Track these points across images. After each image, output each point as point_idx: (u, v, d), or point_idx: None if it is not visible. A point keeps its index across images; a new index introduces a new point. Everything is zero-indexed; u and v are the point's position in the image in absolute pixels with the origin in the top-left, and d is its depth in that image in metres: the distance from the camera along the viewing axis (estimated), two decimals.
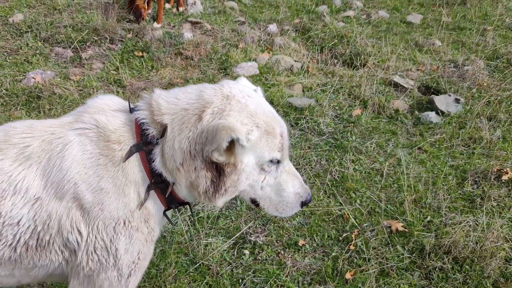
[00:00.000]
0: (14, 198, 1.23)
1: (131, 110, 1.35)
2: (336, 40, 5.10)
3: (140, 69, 4.16)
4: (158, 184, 1.32)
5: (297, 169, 2.91)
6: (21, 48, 4.21)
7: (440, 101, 3.82)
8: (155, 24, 4.92)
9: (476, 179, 3.00)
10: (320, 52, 4.86)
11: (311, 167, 3.10)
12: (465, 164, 3.14)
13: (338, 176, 3.01)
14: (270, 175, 1.38)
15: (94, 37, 4.43)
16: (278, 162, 1.37)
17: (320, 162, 3.16)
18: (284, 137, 1.36)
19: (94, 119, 1.30)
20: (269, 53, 4.76)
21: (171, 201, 1.39)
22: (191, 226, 2.55)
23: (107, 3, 5.07)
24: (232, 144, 1.24)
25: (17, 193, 1.23)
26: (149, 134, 1.29)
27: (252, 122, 1.28)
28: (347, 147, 3.29)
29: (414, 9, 6.41)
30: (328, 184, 2.92)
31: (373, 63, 4.59)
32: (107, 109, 1.36)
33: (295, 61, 4.60)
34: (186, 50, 4.46)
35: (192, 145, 1.26)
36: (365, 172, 3.07)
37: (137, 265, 1.38)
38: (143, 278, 2.11)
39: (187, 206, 1.51)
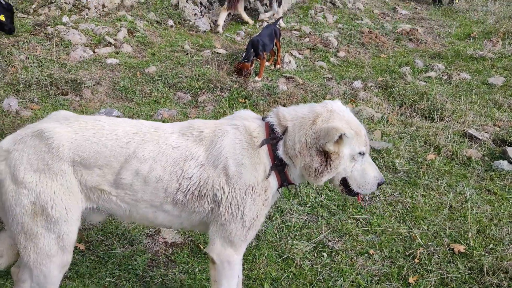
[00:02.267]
0: (190, 162, 1.98)
1: (263, 118, 2.08)
2: (417, 97, 5.58)
3: None
4: (278, 166, 2.00)
5: (372, 198, 3.45)
6: (153, 92, 5.35)
7: None
8: (256, 78, 5.87)
9: None
10: (400, 106, 5.38)
11: (385, 198, 3.57)
12: None
13: (409, 207, 3.44)
14: (357, 163, 2.01)
15: (208, 86, 5.46)
16: (363, 154, 2.00)
17: (393, 194, 3.62)
18: (367, 138, 1.99)
19: (242, 122, 2.05)
20: (352, 104, 5.40)
21: (284, 180, 2.04)
22: (280, 231, 3.15)
23: (219, 60, 6.20)
24: (339, 139, 1.89)
25: (193, 159, 1.98)
26: (275, 133, 1.99)
27: (348, 126, 1.93)
28: (419, 184, 3.72)
29: (497, 72, 6.67)
30: (399, 212, 3.37)
31: (450, 117, 4.98)
32: (248, 117, 2.10)
33: (376, 112, 5.18)
34: (280, 99, 5.29)
35: (308, 139, 1.93)
36: (434, 205, 3.46)
37: (255, 221, 2.03)
38: (244, 259, 2.73)
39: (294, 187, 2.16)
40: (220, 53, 6.47)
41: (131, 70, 5.63)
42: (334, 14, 8.70)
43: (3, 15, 5.40)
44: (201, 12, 7.43)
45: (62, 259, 1.99)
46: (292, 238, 3.08)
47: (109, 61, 5.72)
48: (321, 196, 3.53)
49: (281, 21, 7.74)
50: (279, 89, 5.57)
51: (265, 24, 7.38)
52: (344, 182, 2.07)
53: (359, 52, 7.33)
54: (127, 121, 2.10)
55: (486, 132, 4.67)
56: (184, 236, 3.08)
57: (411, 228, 3.16)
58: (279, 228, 3.18)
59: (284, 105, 5.27)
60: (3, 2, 5.60)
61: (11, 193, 1.88)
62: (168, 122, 4.62)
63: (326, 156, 1.94)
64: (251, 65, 5.85)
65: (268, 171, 1.99)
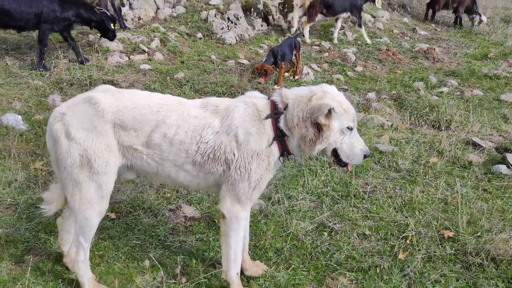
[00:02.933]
0: (207, 130, 2.39)
1: (269, 98, 2.49)
2: (427, 109, 5.88)
3: None
4: (279, 137, 2.39)
5: (373, 191, 3.78)
6: (180, 95, 5.85)
7: None
8: (275, 86, 6.31)
9: None
10: (410, 117, 5.69)
11: (386, 192, 3.88)
12: None
13: (407, 199, 3.74)
14: (346, 137, 2.38)
15: (230, 91, 5.93)
16: (351, 129, 2.37)
17: (394, 189, 3.94)
18: (355, 116, 2.37)
19: (251, 100, 2.47)
20: (365, 113, 5.75)
21: (284, 149, 2.43)
22: (287, 213, 3.51)
23: (242, 69, 6.69)
24: (329, 113, 2.28)
25: (209, 127, 2.40)
26: (278, 108, 2.40)
27: (339, 104, 2.32)
28: (419, 182, 4.02)
29: (510, 90, 6.89)
30: (397, 203, 3.67)
31: (458, 127, 5.26)
32: (257, 96, 2.52)
33: (386, 120, 5.51)
34: None
35: (304, 113, 2.32)
36: (431, 200, 3.75)
37: (259, 183, 2.42)
38: (252, 232, 3.11)
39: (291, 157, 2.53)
40: (243, 63, 6.97)
41: (162, 75, 6.18)
42: (354, 32, 9.13)
43: (112, 24, 6.20)
44: (228, 26, 8.00)
45: (100, 206, 2.43)
46: (297, 219, 3.43)
47: (142, 66, 6.30)
48: (327, 187, 3.88)
49: (307, 35, 8.24)
50: None
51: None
52: (335, 153, 2.44)
53: (376, 67, 7.70)
54: (157, 94, 2.56)
55: (490, 141, 4.93)
56: (202, 212, 3.49)
57: (407, 217, 3.47)
58: (286, 211, 3.54)
59: None
60: (109, 14, 6.39)
61: (64, 147, 2.33)
62: None
63: (319, 128, 2.32)
64: (270, 73, 6.30)
65: (271, 140, 2.39)
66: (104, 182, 2.38)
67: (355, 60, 7.76)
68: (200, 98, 5.89)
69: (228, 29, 7.91)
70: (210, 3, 8.45)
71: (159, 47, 6.95)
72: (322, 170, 4.10)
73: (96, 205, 2.41)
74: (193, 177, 2.50)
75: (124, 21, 7.52)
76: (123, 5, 7.80)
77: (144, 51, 6.67)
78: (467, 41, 9.66)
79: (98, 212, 2.44)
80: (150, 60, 6.58)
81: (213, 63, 6.81)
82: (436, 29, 10.49)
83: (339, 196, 3.78)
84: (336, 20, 8.64)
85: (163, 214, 3.43)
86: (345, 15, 8.56)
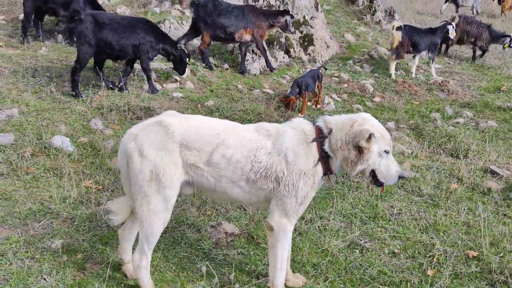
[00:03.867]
0: (260, 150, 2.72)
1: (314, 123, 2.83)
2: (445, 139, 6.17)
3: None
4: (324, 158, 2.72)
5: (399, 214, 4.05)
6: None
7: None
8: (300, 114, 6.67)
9: None
10: (429, 146, 5.98)
11: (411, 214, 4.15)
12: None
13: (431, 222, 4.00)
14: (383, 159, 2.71)
15: (258, 118, 6.30)
16: (388, 152, 2.69)
17: (418, 212, 4.20)
18: (390, 140, 2.71)
19: (298, 125, 2.81)
20: None
21: (327, 169, 2.75)
22: (320, 232, 3.78)
23: (267, 98, 7.09)
24: (369, 138, 2.60)
25: (263, 149, 2.73)
26: (323, 133, 2.73)
27: (377, 130, 2.65)
28: (441, 206, 4.27)
29: None
30: (422, 225, 3.93)
31: (474, 155, 5.54)
32: (303, 122, 2.87)
33: (406, 148, 5.81)
34: None
35: (347, 138, 2.65)
36: (454, 222, 4.00)
37: (305, 199, 2.73)
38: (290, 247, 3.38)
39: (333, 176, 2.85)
40: (268, 93, 7.38)
41: (193, 103, 6.59)
42: (371, 65, 9.55)
43: (188, 59, 6.93)
44: (252, 58, 8.47)
45: (165, 216, 2.75)
46: (329, 237, 3.70)
47: (175, 94, 6.73)
48: (355, 209, 4.16)
49: (393, 70, 8.95)
50: None
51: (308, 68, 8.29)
52: (373, 173, 2.75)
53: (393, 98, 8.05)
54: (216, 120, 2.93)
55: (507, 170, 5.18)
56: (241, 229, 3.77)
57: (432, 237, 3.72)
58: (319, 230, 3.81)
59: None
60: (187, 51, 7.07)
61: (137, 164, 2.67)
62: None
63: (360, 151, 2.65)
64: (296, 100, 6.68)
65: (316, 161, 2.71)
66: (169, 195, 2.71)
67: (373, 91, 8.13)
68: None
69: (252, 60, 8.38)
70: None
71: (189, 76, 7.39)
72: (349, 193, 4.38)
73: (161, 215, 2.73)
74: (246, 193, 2.81)
75: None
76: None
77: (176, 80, 7.12)
78: (479, 75, 10.02)
79: (162, 222, 2.75)
80: (181, 88, 7.02)
81: (240, 92, 7.23)
82: (449, 63, 10.89)
83: (367, 217, 4.05)
84: (414, 56, 9.29)
85: (205, 229, 3.73)
86: (424, 53, 9.24)
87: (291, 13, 8.50)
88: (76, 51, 6.37)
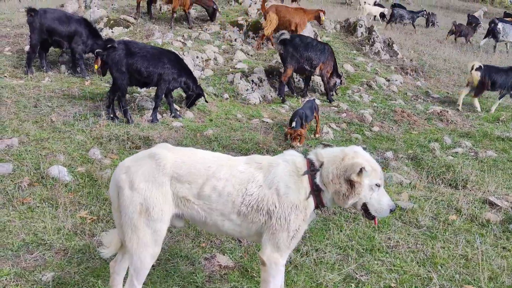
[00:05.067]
0: (252, 183, 2.72)
1: (305, 156, 2.84)
2: (444, 169, 6.15)
3: None
4: (315, 191, 2.71)
5: (396, 246, 3.99)
6: (209, 150, 6.26)
7: None
8: (298, 144, 6.69)
9: None
10: (427, 176, 5.96)
11: (408, 246, 4.09)
12: None
13: (429, 254, 3.94)
14: (375, 193, 2.69)
15: (256, 148, 6.33)
16: (379, 186, 2.68)
17: (415, 244, 4.14)
18: (382, 174, 2.69)
19: (290, 157, 2.82)
20: (383, 171, 6.03)
21: (319, 202, 2.74)
22: (315, 265, 3.72)
23: (266, 127, 7.14)
24: (360, 172, 2.60)
25: (254, 181, 2.72)
26: (315, 166, 2.74)
27: (368, 163, 2.65)
28: (440, 238, 4.21)
29: None
30: (420, 258, 3.87)
31: (474, 187, 5.50)
32: (295, 154, 2.87)
33: (405, 178, 5.78)
34: None
35: (339, 171, 2.64)
36: (452, 255, 3.93)
37: (297, 233, 2.70)
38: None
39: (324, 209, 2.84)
40: (267, 122, 7.43)
41: (192, 132, 6.64)
42: (369, 95, 9.65)
43: (203, 98, 7.47)
44: (252, 88, 8.59)
45: (154, 250, 2.72)
46: (325, 271, 3.64)
47: (174, 124, 6.80)
48: (352, 240, 4.11)
49: (478, 106, 9.44)
50: None
51: (306, 99, 8.39)
52: (365, 207, 2.73)
53: (392, 128, 8.09)
54: (208, 152, 2.93)
55: (506, 201, 5.13)
56: (235, 262, 3.73)
57: (429, 271, 3.65)
58: (314, 262, 3.76)
59: None
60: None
61: (127, 196, 2.67)
62: None
63: (351, 184, 2.63)
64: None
65: (308, 194, 2.70)
66: (158, 229, 2.69)
67: (372, 120, 8.18)
68: (227, 153, 6.31)
69: (252, 90, 8.50)
70: (236, 67, 9.13)
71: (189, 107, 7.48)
72: (346, 224, 4.34)
73: (150, 249, 2.70)
74: (237, 226, 2.79)
75: None
76: None
77: (176, 109, 7.20)
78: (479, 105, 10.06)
79: (151, 255, 2.72)
80: (181, 118, 7.08)
81: (239, 121, 7.29)
82: (447, 92, 10.98)
83: (363, 249, 3.99)
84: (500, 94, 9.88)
85: (199, 262, 3.68)
86: (500, 89, 9.79)
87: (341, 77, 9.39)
88: (112, 79, 6.71)
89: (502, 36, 16.20)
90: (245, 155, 6.16)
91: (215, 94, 8.17)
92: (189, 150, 2.92)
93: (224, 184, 2.71)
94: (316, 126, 7.27)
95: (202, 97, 7.40)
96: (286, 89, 8.84)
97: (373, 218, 2.77)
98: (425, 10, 21.58)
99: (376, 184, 2.68)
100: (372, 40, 12.34)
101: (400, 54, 12.75)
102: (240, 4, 11.82)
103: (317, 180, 2.71)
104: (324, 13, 10.72)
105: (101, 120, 6.49)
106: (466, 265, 3.77)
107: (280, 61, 9.72)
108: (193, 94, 7.24)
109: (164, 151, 2.80)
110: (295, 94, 9.05)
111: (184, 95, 7.54)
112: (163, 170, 2.70)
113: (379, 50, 12.18)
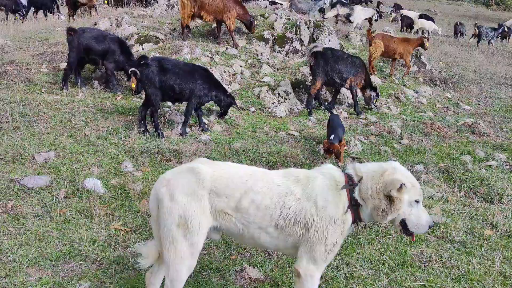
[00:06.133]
0: (290, 196, 2.74)
1: (343, 170, 2.85)
2: (477, 182, 5.99)
3: None
4: (353, 205, 2.71)
5: (429, 261, 3.92)
6: (237, 162, 6.32)
7: None
8: (339, 163, 6.54)
9: None
10: (460, 190, 5.81)
11: (442, 262, 3.99)
12: None
13: (464, 271, 3.83)
14: (414, 209, 2.68)
15: (283, 160, 6.34)
16: (418, 202, 2.67)
17: (450, 260, 4.03)
18: (421, 190, 2.69)
19: (328, 171, 2.83)
20: None
21: (357, 217, 2.74)
22: (346, 279, 3.69)
23: (293, 140, 7.16)
24: (400, 188, 2.59)
25: (291, 194, 2.75)
26: (353, 180, 2.74)
27: (407, 179, 2.65)
28: (475, 254, 4.10)
29: None
30: (455, 274, 3.77)
31: (510, 200, 5.33)
32: (332, 168, 2.89)
33: (436, 192, 5.66)
34: None
35: (378, 187, 2.65)
36: (489, 272, 3.81)
37: (334, 246, 2.71)
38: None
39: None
40: (294, 135, 7.45)
41: (220, 145, 6.73)
42: (398, 107, 9.54)
43: (234, 106, 7.70)
44: (278, 101, 8.65)
45: (190, 262, 2.77)
46: (356, 285, 3.60)
47: (203, 137, 6.91)
48: (383, 255, 4.05)
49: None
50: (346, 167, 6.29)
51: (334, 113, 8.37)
52: (403, 223, 2.72)
53: (422, 140, 7.95)
54: (245, 166, 2.99)
55: None
56: (265, 275, 3.73)
57: None
58: (345, 277, 3.72)
59: None
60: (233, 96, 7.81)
61: (167, 208, 2.73)
62: None
63: (390, 200, 2.63)
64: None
65: (346, 208, 2.71)
66: (195, 241, 2.74)
67: (401, 133, 8.07)
68: (255, 166, 6.35)
69: (278, 103, 8.55)
70: (262, 80, 9.23)
71: (217, 119, 7.60)
72: (377, 238, 4.28)
73: (187, 261, 2.75)
74: (273, 239, 2.81)
75: None
76: None
77: (204, 123, 7.33)
78: None
79: (188, 267, 2.77)
80: (209, 131, 7.20)
81: (266, 134, 7.34)
82: (479, 104, 10.73)
83: (395, 264, 3.93)
84: None
85: (230, 274, 3.71)
86: None
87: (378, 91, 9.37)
88: (145, 95, 6.95)
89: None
90: (273, 168, 6.19)
91: (241, 108, 8.27)
92: (226, 164, 2.98)
93: (261, 197, 2.74)
94: (340, 150, 6.57)
95: (234, 106, 7.59)
96: (314, 102, 8.85)
97: (410, 234, 2.76)
98: (504, 25, 21.92)
99: (415, 200, 2.68)
100: None
101: (428, 66, 12.57)
102: (266, 19, 11.96)
103: (356, 194, 2.72)
104: (428, 39, 11.34)
105: (133, 134, 6.67)
106: (504, 282, 3.65)
107: (306, 74, 9.76)
108: (225, 104, 7.44)
109: (203, 165, 2.86)
110: (322, 107, 9.04)
111: (214, 107, 7.68)
112: (202, 184, 2.75)
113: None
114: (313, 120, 8.48)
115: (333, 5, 16.85)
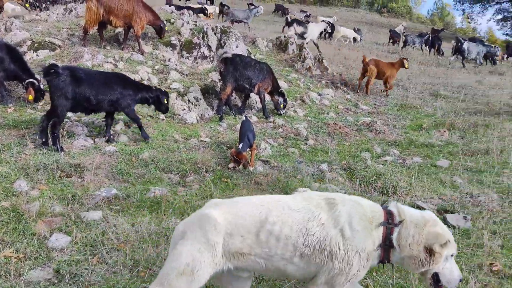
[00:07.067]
0: (313, 222, 2.58)
1: (382, 204, 2.77)
2: (375, 177, 6.49)
3: (225, 189, 5.81)
4: (386, 246, 2.61)
5: None
6: (146, 174, 6.11)
7: (452, 218, 4.91)
8: (250, 168, 6.60)
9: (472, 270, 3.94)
10: (360, 185, 6.26)
11: None
12: (466, 261, 4.10)
13: None
14: (448, 263, 2.64)
15: (195, 168, 6.27)
16: (452, 256, 2.66)
17: None
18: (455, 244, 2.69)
19: (357, 199, 2.72)
20: (319, 183, 6.26)
21: (386, 257, 2.64)
22: None
23: (204, 147, 7.12)
24: (444, 243, 2.55)
25: (315, 220, 2.58)
26: (394, 219, 2.61)
27: (448, 234, 2.63)
28: None
29: (444, 157, 7.76)
30: None
31: (403, 192, 5.86)
32: (357, 198, 2.76)
33: (340, 189, 6.02)
34: (257, 178, 6.12)
35: (420, 237, 2.56)
36: None
37: (354, 277, 2.60)
38: None
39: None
40: (205, 141, 7.42)
41: (127, 156, 6.44)
42: (303, 109, 10.00)
43: (166, 99, 7.33)
44: (188, 107, 8.55)
45: None
46: None
47: (107, 148, 6.56)
48: None
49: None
50: (256, 170, 6.43)
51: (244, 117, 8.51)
52: (436, 277, 2.65)
53: (326, 140, 8.43)
54: (254, 198, 2.80)
55: (432, 204, 5.52)
56: None
57: None
58: None
59: (261, 184, 6.05)
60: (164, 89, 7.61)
61: (177, 251, 2.56)
62: (160, 199, 5.32)
63: (430, 253, 2.57)
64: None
65: (377, 246, 2.59)
66: None
67: (307, 134, 8.46)
68: (165, 175, 6.19)
69: (189, 110, 8.45)
70: (170, 87, 9.05)
71: (123, 129, 7.27)
72: None
73: None
74: (299, 268, 2.63)
75: None
76: None
77: (110, 133, 6.96)
78: (403, 114, 10.82)
79: None
80: (115, 142, 6.85)
81: (177, 142, 7.20)
82: (375, 104, 11.68)
83: None
84: None
85: None
86: None
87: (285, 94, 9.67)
88: (52, 105, 6.36)
89: (467, 54, 18.17)
90: (184, 176, 6.09)
91: (150, 116, 8.02)
92: (232, 201, 2.79)
93: (280, 227, 2.57)
94: (251, 155, 6.83)
95: (165, 99, 7.34)
96: (224, 107, 8.91)
97: (439, 287, 2.69)
98: (429, 34, 25.23)
99: (451, 255, 2.65)
100: (303, 56, 12.85)
101: (330, 69, 13.38)
102: (173, 24, 11.78)
103: (394, 236, 2.59)
104: (407, 60, 12.79)
105: (27, 149, 6.11)
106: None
107: (215, 79, 9.79)
108: (154, 101, 7.23)
109: (213, 210, 2.66)
110: (232, 112, 9.14)
111: (121, 116, 7.33)
112: (215, 229, 2.56)
113: (310, 66, 12.69)
114: (224, 125, 8.53)
115: (289, 24, 17.36)
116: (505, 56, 25.03)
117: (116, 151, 6.55)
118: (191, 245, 2.54)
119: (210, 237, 2.54)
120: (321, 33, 18.85)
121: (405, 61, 12.53)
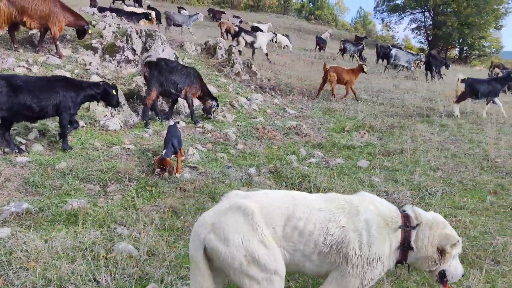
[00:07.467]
0: (333, 223, 2.61)
1: (400, 208, 2.83)
2: (301, 179, 6.68)
3: (149, 198, 5.62)
4: (404, 247, 2.69)
5: None
6: (63, 185, 5.73)
7: None
8: (177, 175, 6.41)
9: None
10: (287, 187, 6.40)
11: None
12: None
13: None
14: (454, 260, 2.85)
15: (117, 177, 6.01)
16: (458, 254, 2.81)
17: None
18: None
19: (380, 204, 2.76)
20: (247, 187, 6.30)
21: (403, 258, 2.74)
22: None
23: (128, 154, 6.85)
24: (455, 244, 2.70)
25: (335, 221, 2.61)
26: (411, 222, 2.72)
27: (456, 235, 2.75)
28: None
29: (364, 157, 8.21)
30: None
31: (326, 192, 6.08)
32: (383, 201, 2.84)
33: None
34: (184, 185, 6.01)
35: (435, 239, 2.69)
36: None
37: (370, 282, 2.64)
38: None
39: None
40: (129, 149, 7.14)
41: (42, 167, 6.00)
42: (233, 114, 10.03)
43: (114, 90, 7.08)
44: (111, 113, 8.18)
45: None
46: None
47: (19, 159, 6.05)
48: None
49: (457, 111, 11.02)
50: (183, 177, 6.31)
51: (171, 123, 8.33)
52: (443, 273, 2.84)
53: (255, 144, 8.52)
54: (282, 192, 2.83)
55: None
56: None
57: None
58: None
59: (188, 191, 5.95)
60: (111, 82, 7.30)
61: (226, 253, 2.47)
62: (78, 211, 5.02)
63: (442, 253, 2.74)
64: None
65: (394, 248, 2.69)
66: (273, 270, 2.51)
67: (236, 139, 8.50)
68: (85, 186, 5.86)
69: (111, 116, 8.09)
70: None
71: (38, 138, 6.77)
72: None
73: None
74: (315, 266, 2.70)
75: None
76: None
77: (21, 143, 6.45)
78: (327, 117, 11.29)
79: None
80: (28, 152, 6.36)
81: (98, 150, 6.85)
82: (302, 108, 12.06)
83: None
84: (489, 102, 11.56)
85: None
86: (485, 98, 11.34)
87: (218, 100, 9.63)
88: None
89: (395, 60, 19.78)
90: (105, 186, 5.80)
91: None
92: (263, 192, 2.81)
93: (304, 223, 2.61)
94: (177, 161, 6.66)
95: (114, 91, 7.05)
96: (150, 112, 8.65)
97: (444, 282, 2.88)
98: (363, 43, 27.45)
99: (457, 253, 2.84)
100: (232, 61, 12.93)
101: (259, 74, 13.59)
102: (94, 26, 11.24)
103: (412, 238, 2.72)
104: (365, 65, 13.40)
105: None
106: None
107: (140, 84, 9.50)
108: (102, 96, 6.97)
109: (242, 200, 2.64)
110: (158, 118, 8.91)
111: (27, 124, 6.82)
112: (252, 218, 2.53)
113: (239, 71, 12.80)
114: (149, 131, 8.29)
115: (237, 34, 17.08)
116: (421, 64, 27.38)
117: (29, 162, 6.07)
118: (234, 238, 2.50)
119: (248, 226, 2.55)
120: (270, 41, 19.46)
121: (364, 67, 13.25)
